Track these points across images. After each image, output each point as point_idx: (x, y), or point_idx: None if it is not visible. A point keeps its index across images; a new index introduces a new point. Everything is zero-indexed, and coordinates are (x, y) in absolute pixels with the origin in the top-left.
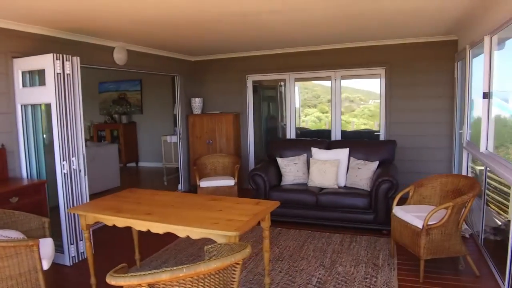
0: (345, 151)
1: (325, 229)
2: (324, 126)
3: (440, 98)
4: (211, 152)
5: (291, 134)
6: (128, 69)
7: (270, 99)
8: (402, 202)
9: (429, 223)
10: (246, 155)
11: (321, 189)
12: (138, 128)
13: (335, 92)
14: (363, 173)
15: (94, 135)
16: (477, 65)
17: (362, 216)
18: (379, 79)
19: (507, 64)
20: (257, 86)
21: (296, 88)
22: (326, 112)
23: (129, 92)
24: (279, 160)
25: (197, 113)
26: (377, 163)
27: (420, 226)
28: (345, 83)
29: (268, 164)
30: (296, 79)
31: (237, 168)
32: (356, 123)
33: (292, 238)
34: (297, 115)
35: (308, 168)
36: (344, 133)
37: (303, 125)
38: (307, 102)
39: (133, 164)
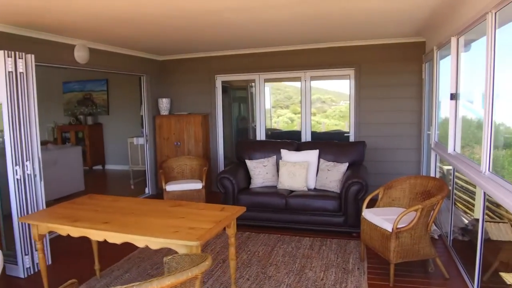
0: (315, 153)
1: (295, 233)
2: (296, 127)
3: (409, 99)
4: (179, 154)
5: (261, 135)
6: (91, 68)
7: (241, 100)
8: (372, 204)
9: (399, 226)
10: (216, 157)
11: (291, 191)
12: (105, 129)
13: (305, 93)
14: (333, 175)
15: (58, 137)
16: (444, 67)
17: (332, 218)
18: (348, 80)
19: (473, 66)
20: (227, 86)
21: (267, 89)
22: (299, 113)
23: (94, 92)
24: (248, 162)
25: (164, 114)
26: (346, 164)
27: (390, 230)
28: (316, 84)
29: (237, 167)
30: (266, 80)
31: (204, 171)
32: (328, 124)
33: (261, 243)
34: (268, 116)
35: (278, 170)
36: (314, 134)
37: (274, 126)
38: (279, 103)
39: (99, 167)
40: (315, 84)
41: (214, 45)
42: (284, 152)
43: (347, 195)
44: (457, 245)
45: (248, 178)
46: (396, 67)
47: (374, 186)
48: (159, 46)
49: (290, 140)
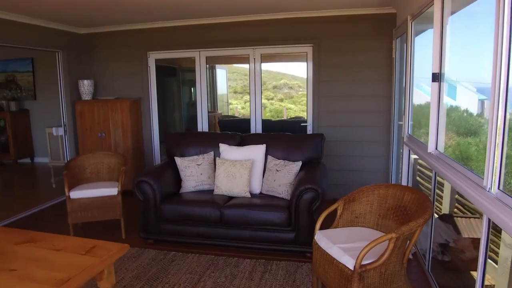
0: (261, 148)
1: (235, 252)
2: (267, 114)
3: (377, 82)
4: (105, 147)
5: (202, 125)
6: None
7: (192, 83)
8: (332, 218)
9: (364, 262)
10: (150, 151)
11: (230, 198)
12: (32, 116)
13: (254, 74)
14: (283, 177)
15: None
16: (419, 46)
17: (280, 234)
18: (305, 61)
19: (457, 41)
20: (175, 68)
21: (223, 71)
22: (271, 99)
23: (18, 73)
24: (177, 160)
25: (86, 99)
26: (299, 163)
27: (351, 267)
28: (284, 69)
29: (165, 166)
30: (208, 58)
31: (122, 171)
32: (295, 110)
33: (187, 269)
34: (225, 102)
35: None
36: (268, 123)
37: (243, 112)
38: (246, 89)
39: (27, 160)
40: (283, 69)
41: (145, 15)
42: (223, 148)
43: (298, 205)
44: (437, 269)
45: (178, 180)
46: (362, 43)
47: (336, 185)
48: (77, 14)
49: (233, 132)
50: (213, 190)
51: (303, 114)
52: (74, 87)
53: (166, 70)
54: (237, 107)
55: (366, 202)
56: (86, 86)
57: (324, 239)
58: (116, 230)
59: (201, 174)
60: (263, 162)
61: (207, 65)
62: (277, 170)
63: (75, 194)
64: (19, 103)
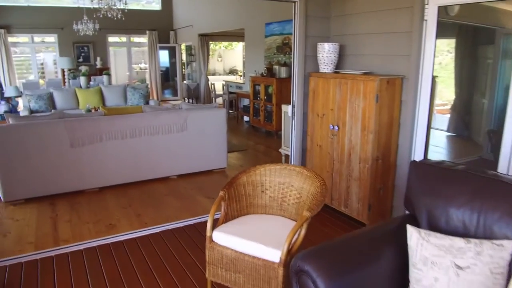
0: None
1: None
2: None
3: None
4: (336, 145)
5: None
6: None
7: None
8: None
9: None
10: (405, 171)
11: None
12: None
13: None
14: None
15: (251, 90)
16: None
17: None
18: None
19: None
20: (494, 30)
21: None
22: None
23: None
24: (411, 238)
25: (325, 71)
26: None
27: None
28: None
29: (379, 239)
30: None
31: (303, 220)
32: None
33: None
34: None
35: None
36: None
37: None
38: None
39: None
40: None
41: None
42: None
43: None
44: None
45: (405, 274)
46: None
47: None
48: None
49: None
50: None
51: None
52: (313, 52)
53: (475, 34)
54: None
55: None
56: (326, 52)
57: None
58: None
59: None
60: None
61: None
62: None
63: (220, 236)
64: (289, 69)
